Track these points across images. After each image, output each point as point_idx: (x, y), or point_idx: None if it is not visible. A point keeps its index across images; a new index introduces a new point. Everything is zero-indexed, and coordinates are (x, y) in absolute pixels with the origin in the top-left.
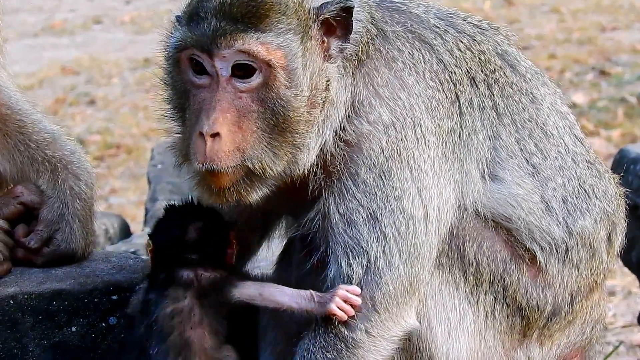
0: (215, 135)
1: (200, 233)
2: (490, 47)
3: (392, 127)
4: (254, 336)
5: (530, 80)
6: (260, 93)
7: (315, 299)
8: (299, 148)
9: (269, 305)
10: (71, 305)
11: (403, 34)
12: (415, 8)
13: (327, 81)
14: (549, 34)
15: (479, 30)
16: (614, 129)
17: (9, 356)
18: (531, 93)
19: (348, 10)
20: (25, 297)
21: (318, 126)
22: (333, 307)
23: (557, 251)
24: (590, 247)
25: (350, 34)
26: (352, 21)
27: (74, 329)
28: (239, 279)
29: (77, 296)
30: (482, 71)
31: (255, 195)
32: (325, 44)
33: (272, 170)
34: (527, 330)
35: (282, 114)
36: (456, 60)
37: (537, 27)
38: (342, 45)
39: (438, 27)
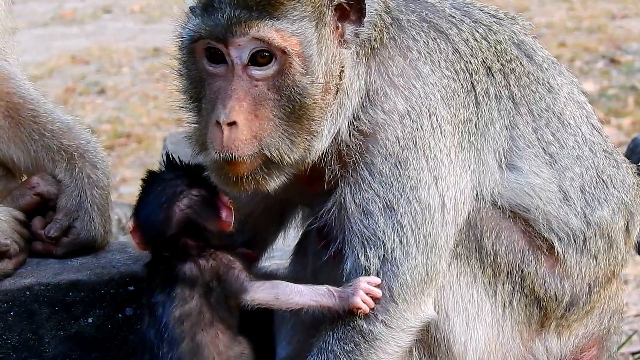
0: (232, 124)
1: (190, 213)
2: (506, 37)
3: (408, 117)
4: (270, 324)
5: (546, 69)
6: (276, 81)
7: (335, 294)
8: (314, 135)
9: (288, 308)
10: (87, 296)
11: (418, 23)
12: None
13: (342, 67)
14: (559, 22)
15: (495, 19)
16: (625, 117)
17: (26, 347)
18: (548, 82)
19: None
20: (42, 288)
21: (332, 113)
22: (357, 301)
23: (575, 241)
24: (608, 238)
25: (364, 17)
26: (365, 4)
27: (90, 320)
28: (249, 280)
29: (94, 287)
30: (498, 61)
31: (273, 183)
32: (339, 30)
33: (289, 157)
34: (545, 320)
35: (298, 101)
36: (472, 50)
37: (547, 16)
38: (356, 30)
39: (454, 16)
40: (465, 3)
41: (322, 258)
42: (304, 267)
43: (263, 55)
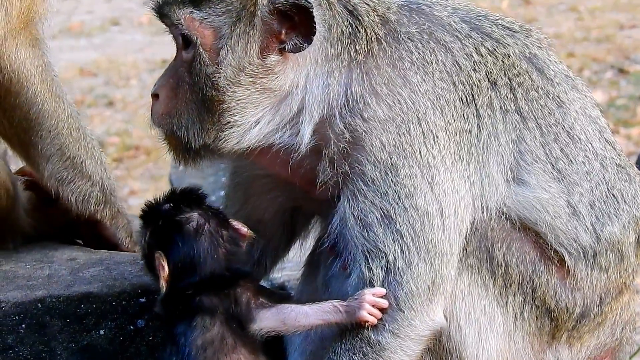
0: (156, 96)
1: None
2: (517, 51)
3: (392, 122)
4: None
5: (558, 84)
6: (191, 66)
7: (341, 309)
8: (228, 126)
9: (296, 331)
10: (99, 308)
11: (418, 35)
12: (439, 10)
13: (276, 72)
14: (567, 33)
15: (508, 32)
16: (634, 127)
17: (37, 359)
18: (558, 97)
19: (304, 10)
20: (54, 300)
21: (255, 111)
22: (364, 314)
23: (584, 257)
24: (619, 252)
25: (312, 34)
26: (314, 23)
27: (102, 332)
28: (256, 309)
29: (105, 299)
30: (505, 75)
31: (195, 163)
32: (281, 36)
33: (196, 142)
34: (556, 332)
35: (203, 90)
36: (474, 65)
37: (555, 26)
38: (300, 43)
39: (460, 31)
40: (478, 16)
41: (333, 269)
42: (315, 278)
43: (185, 40)
